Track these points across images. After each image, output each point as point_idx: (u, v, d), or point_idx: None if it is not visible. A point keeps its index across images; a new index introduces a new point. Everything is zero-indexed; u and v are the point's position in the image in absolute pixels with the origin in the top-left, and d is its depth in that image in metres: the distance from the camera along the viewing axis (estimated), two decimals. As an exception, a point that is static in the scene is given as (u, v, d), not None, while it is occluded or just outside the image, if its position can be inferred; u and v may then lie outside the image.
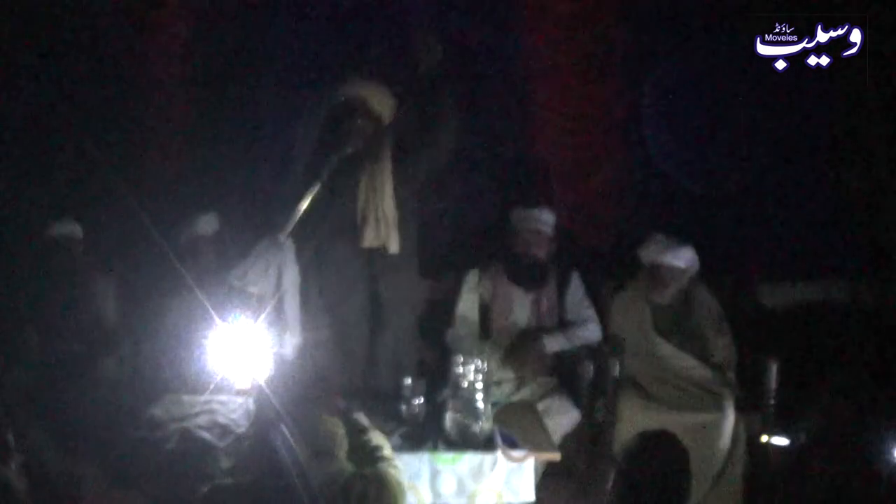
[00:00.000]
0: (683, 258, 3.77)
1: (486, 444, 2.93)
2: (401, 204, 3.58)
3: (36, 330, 3.98)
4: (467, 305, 3.94)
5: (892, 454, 2.54)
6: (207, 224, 3.81)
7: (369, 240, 3.53)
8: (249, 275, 3.62)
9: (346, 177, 3.53)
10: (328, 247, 3.59)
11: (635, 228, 4.19)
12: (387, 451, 2.52)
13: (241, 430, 3.12)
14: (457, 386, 2.97)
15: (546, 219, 3.88)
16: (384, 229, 3.53)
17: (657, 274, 3.79)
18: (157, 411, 3.27)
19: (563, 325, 3.89)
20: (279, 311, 3.69)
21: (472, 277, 3.96)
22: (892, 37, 3.77)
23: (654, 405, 3.65)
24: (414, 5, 4.26)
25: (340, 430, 2.31)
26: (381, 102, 3.60)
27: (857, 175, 4.23)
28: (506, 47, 4.36)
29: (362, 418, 2.69)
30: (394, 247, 3.55)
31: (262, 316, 3.52)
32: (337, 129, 3.57)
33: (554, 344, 3.82)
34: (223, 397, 3.33)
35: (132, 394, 3.75)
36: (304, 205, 3.31)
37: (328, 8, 4.32)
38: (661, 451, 2.23)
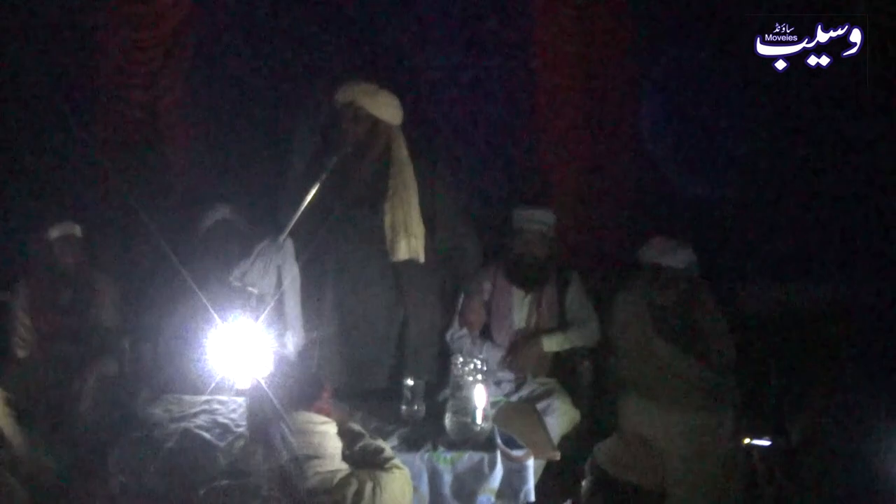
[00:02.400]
0: (683, 259, 3.76)
1: (486, 444, 2.93)
2: (426, 210, 3.57)
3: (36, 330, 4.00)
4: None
5: (886, 455, 2.54)
6: (222, 216, 3.83)
7: (399, 253, 3.52)
8: (249, 275, 3.61)
9: (346, 178, 3.54)
10: (354, 257, 3.59)
11: (635, 229, 4.20)
12: (388, 452, 2.52)
13: (241, 429, 3.11)
14: (457, 386, 2.97)
15: (547, 219, 3.88)
16: (412, 241, 3.52)
17: (657, 274, 3.78)
18: (157, 411, 3.27)
19: (562, 325, 3.89)
20: (279, 311, 3.69)
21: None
22: (892, 37, 3.77)
23: (653, 405, 3.64)
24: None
25: (333, 430, 2.31)
26: (377, 104, 3.57)
27: (856, 175, 4.23)
28: (503, 52, 4.38)
29: (356, 426, 2.69)
30: (421, 256, 3.55)
31: (262, 316, 3.52)
32: (332, 133, 3.58)
33: (552, 344, 3.82)
34: (223, 397, 3.33)
35: (131, 393, 3.75)
36: (302, 206, 3.33)
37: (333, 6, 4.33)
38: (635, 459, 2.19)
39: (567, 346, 3.84)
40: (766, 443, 3.28)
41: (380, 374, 3.62)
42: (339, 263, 3.62)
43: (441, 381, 3.46)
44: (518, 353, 3.83)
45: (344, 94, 3.54)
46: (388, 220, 3.52)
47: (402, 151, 3.58)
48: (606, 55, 4.30)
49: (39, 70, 4.28)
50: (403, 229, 3.52)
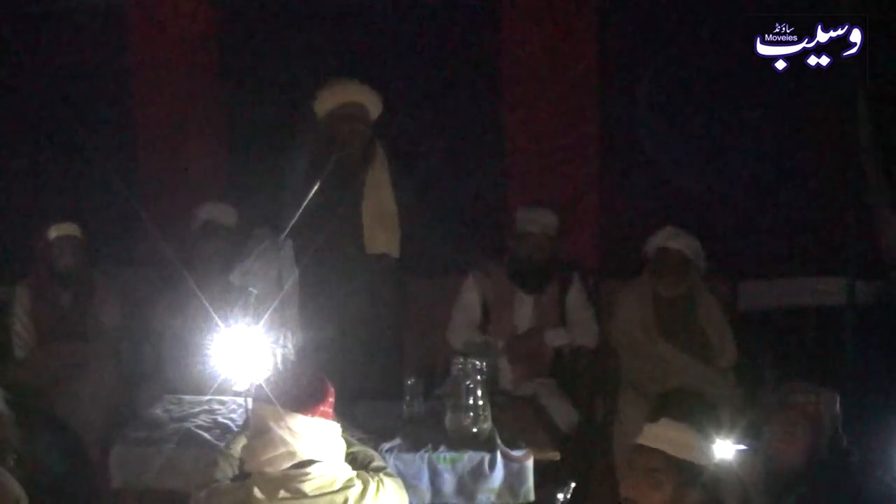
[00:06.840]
0: (689, 244, 3.76)
1: (486, 444, 2.94)
2: (401, 207, 3.63)
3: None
4: (468, 304, 3.94)
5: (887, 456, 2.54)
6: (223, 213, 3.82)
7: (376, 246, 3.56)
8: (249, 275, 3.61)
9: (347, 181, 3.56)
10: (329, 250, 3.62)
11: (635, 228, 4.20)
12: (378, 462, 2.50)
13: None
14: (457, 386, 2.97)
15: (550, 220, 3.87)
16: (389, 235, 3.57)
17: (664, 259, 3.76)
18: (157, 411, 3.27)
19: (563, 324, 3.89)
20: (279, 311, 3.69)
21: (473, 276, 3.96)
22: (892, 37, 3.77)
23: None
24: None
25: (336, 432, 2.30)
26: (375, 106, 3.65)
27: (855, 174, 4.23)
28: (500, 42, 4.38)
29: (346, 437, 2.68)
30: (396, 251, 3.59)
31: (263, 316, 3.52)
32: (335, 133, 3.60)
33: (554, 338, 3.81)
34: (223, 397, 3.33)
35: (131, 393, 3.76)
36: (303, 207, 3.36)
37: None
38: None
39: (567, 342, 3.83)
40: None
41: (371, 374, 3.67)
42: (334, 264, 3.67)
43: (441, 381, 3.47)
44: (519, 351, 3.83)
45: (349, 94, 3.59)
46: (366, 213, 3.58)
47: (379, 149, 3.67)
48: (607, 54, 4.31)
49: (41, 70, 4.29)
50: (380, 222, 3.57)
